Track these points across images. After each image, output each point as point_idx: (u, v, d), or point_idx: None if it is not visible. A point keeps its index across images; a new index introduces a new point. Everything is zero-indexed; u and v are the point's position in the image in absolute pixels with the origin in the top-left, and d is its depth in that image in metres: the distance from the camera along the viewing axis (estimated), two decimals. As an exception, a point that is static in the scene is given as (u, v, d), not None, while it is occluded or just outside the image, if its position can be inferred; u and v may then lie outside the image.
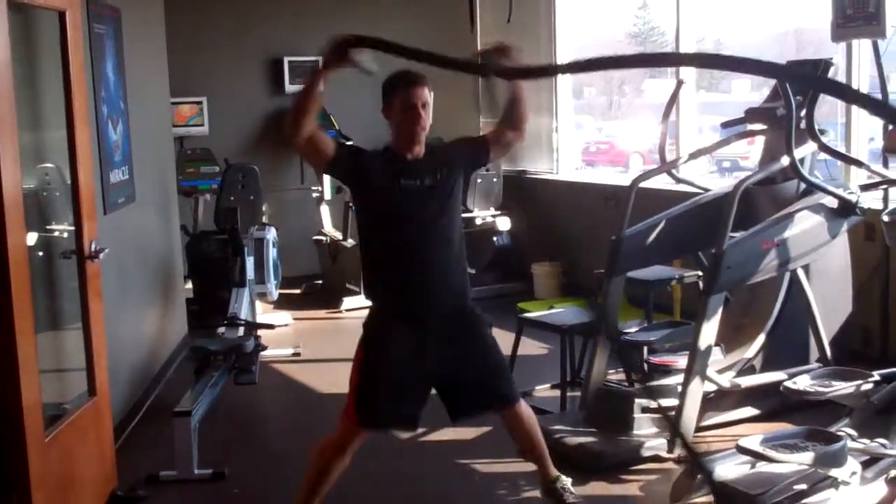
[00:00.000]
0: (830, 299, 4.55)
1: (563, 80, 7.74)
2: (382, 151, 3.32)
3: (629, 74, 20.45)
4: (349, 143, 3.44)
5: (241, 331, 5.22)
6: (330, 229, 7.76)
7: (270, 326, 5.48)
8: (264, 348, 5.12)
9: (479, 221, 7.42)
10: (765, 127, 4.54)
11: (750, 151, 11.11)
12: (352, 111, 7.49)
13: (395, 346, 3.27)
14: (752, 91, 15.83)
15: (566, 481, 3.54)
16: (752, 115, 4.50)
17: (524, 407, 3.48)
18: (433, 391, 3.34)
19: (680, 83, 4.89)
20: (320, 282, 7.80)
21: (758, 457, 3.31)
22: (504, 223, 7.27)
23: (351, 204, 3.38)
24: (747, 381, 4.30)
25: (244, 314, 5.50)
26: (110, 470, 3.84)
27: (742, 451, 3.36)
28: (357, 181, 3.32)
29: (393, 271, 3.31)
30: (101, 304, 3.83)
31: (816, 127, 4.06)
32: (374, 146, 3.37)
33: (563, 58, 7.64)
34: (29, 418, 3.09)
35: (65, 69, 3.64)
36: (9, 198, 3.01)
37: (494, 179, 7.59)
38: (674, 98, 4.80)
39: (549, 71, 6.62)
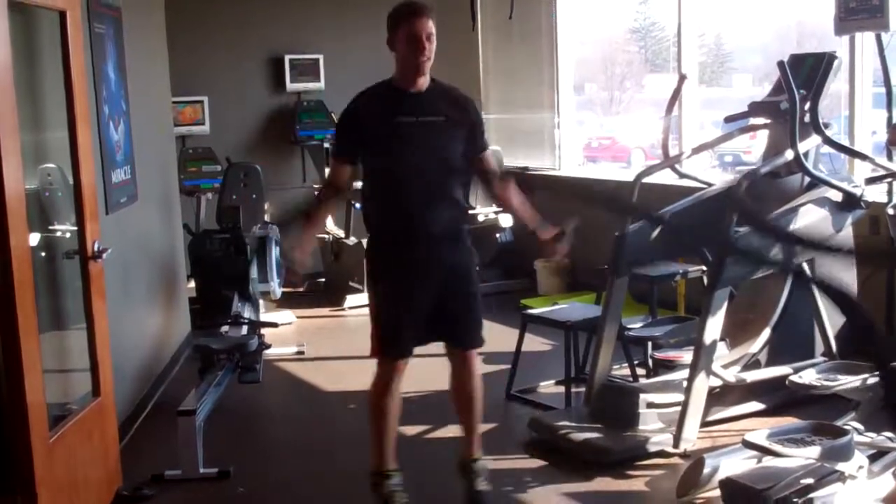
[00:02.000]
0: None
1: (565, 76, 7.72)
2: (382, 90, 3.40)
3: (630, 69, 20.44)
4: (345, 110, 3.47)
5: (244, 329, 5.21)
6: (332, 227, 7.75)
7: (274, 325, 5.47)
8: (268, 347, 5.11)
9: (481, 218, 7.40)
10: (768, 121, 4.52)
11: (752, 146, 11.12)
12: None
13: (402, 273, 3.40)
14: (753, 86, 15.82)
15: (484, 465, 3.60)
16: (756, 109, 4.48)
17: (476, 360, 3.57)
18: None
19: (683, 78, 4.88)
20: (323, 280, 7.79)
21: (764, 451, 3.30)
22: (507, 220, 7.25)
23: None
24: (752, 376, 4.29)
25: (247, 313, 5.50)
26: (115, 470, 3.84)
27: (748, 445, 3.35)
28: (359, 137, 3.39)
29: (393, 199, 3.40)
30: (105, 304, 3.82)
31: (820, 120, 4.05)
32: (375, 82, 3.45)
33: (564, 54, 7.64)
34: (33, 419, 3.09)
35: (66, 69, 3.63)
36: (11, 198, 3.01)
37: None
38: (677, 93, 4.79)
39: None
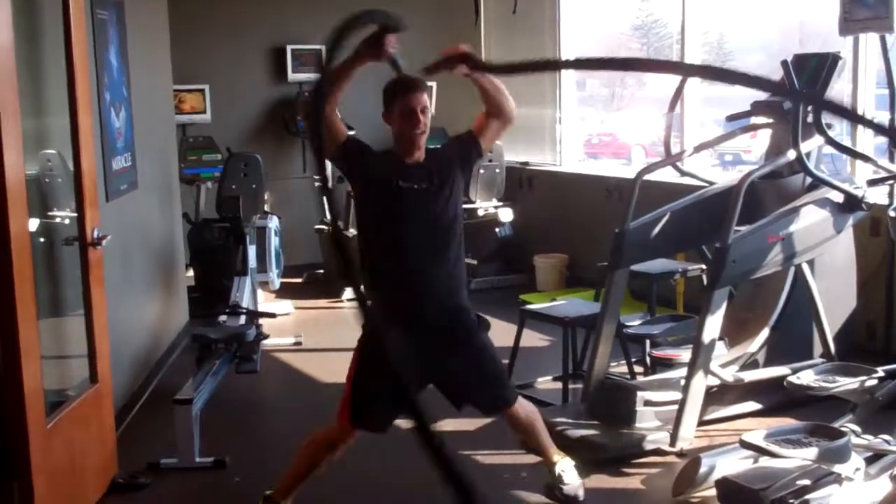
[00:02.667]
0: (835, 294, 4.53)
1: (567, 71, 7.69)
2: (385, 153, 3.37)
3: (632, 67, 20.38)
4: (360, 141, 3.42)
5: (242, 319, 5.21)
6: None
7: (272, 315, 5.47)
8: (266, 337, 5.11)
9: (481, 213, 7.40)
10: (771, 120, 4.52)
11: (752, 145, 11.11)
12: (357, 113, 7.45)
13: (391, 350, 3.23)
14: (755, 84, 15.79)
15: (565, 467, 3.57)
16: (759, 108, 4.48)
17: (522, 406, 3.50)
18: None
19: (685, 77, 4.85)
20: (321, 271, 7.78)
21: (761, 452, 3.30)
22: (506, 214, 7.24)
23: (351, 195, 3.39)
24: (751, 376, 4.29)
25: (246, 303, 5.49)
26: (111, 457, 3.83)
27: (745, 445, 3.35)
28: (359, 177, 3.36)
29: (390, 271, 3.33)
30: (104, 291, 3.82)
31: (823, 121, 4.04)
32: (381, 147, 3.40)
33: (567, 50, 7.63)
34: (31, 405, 3.09)
35: (67, 55, 3.62)
36: (11, 183, 3.00)
37: (497, 171, 7.57)
38: (679, 91, 4.78)
39: (550, 66, 6.54)
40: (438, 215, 3.31)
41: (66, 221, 4.08)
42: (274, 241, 6.25)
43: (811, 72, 4.24)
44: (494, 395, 3.45)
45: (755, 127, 4.62)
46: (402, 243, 3.30)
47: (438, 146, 3.54)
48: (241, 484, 3.84)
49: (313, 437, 3.43)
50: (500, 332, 5.12)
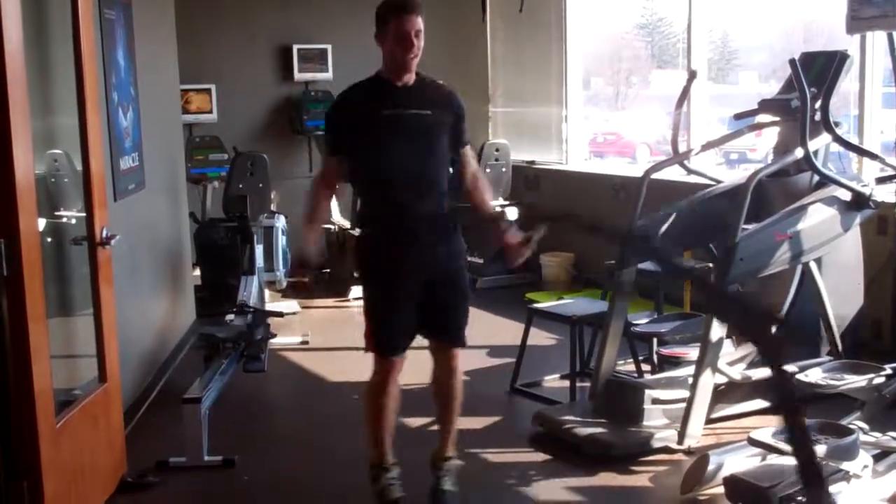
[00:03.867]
0: (842, 292, 4.53)
1: (574, 69, 7.71)
2: (369, 81, 3.42)
3: (636, 65, 20.39)
4: (332, 105, 3.49)
5: (250, 318, 5.21)
6: (338, 218, 7.74)
7: (280, 314, 5.48)
8: (273, 336, 5.12)
9: (487, 211, 7.39)
10: (778, 119, 4.51)
11: (757, 143, 11.10)
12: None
13: (392, 270, 3.39)
14: (760, 83, 15.80)
15: (456, 465, 3.60)
16: (766, 106, 4.47)
17: (459, 359, 3.56)
18: None
19: (693, 74, 4.86)
20: (328, 270, 7.79)
21: (770, 449, 3.31)
22: (513, 213, 7.24)
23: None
24: (758, 374, 4.28)
25: (253, 302, 5.50)
26: (120, 456, 3.84)
27: (754, 443, 3.36)
28: (347, 129, 3.40)
29: (380, 191, 3.40)
30: (112, 291, 3.83)
31: (831, 119, 4.04)
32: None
33: (573, 49, 7.63)
34: (40, 405, 3.09)
35: (76, 54, 3.62)
36: (21, 183, 3.01)
37: (503, 169, 7.57)
38: (687, 89, 4.77)
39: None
40: (426, 139, 3.35)
41: (73, 221, 4.09)
42: (281, 241, 6.25)
43: (818, 70, 4.23)
44: (457, 333, 3.51)
45: (763, 125, 4.61)
46: (391, 166, 3.34)
47: (439, 82, 3.52)
48: (249, 482, 3.85)
49: (364, 390, 3.53)
50: (507, 331, 5.15)
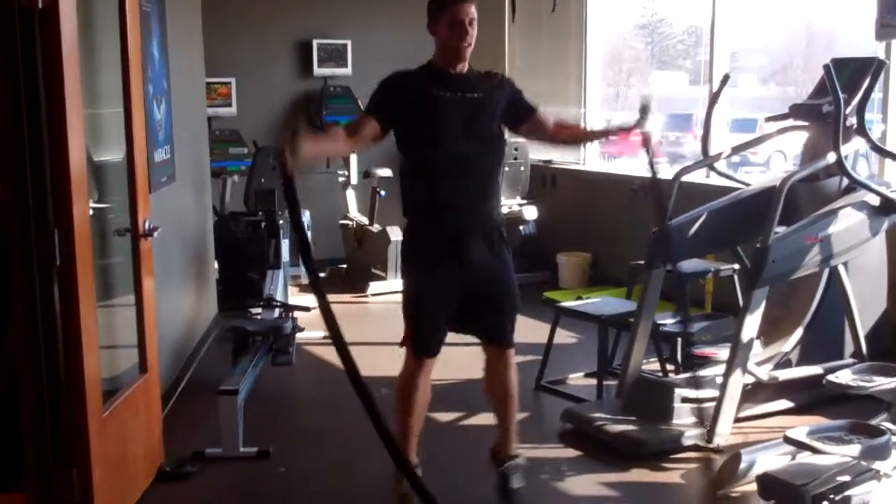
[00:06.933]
0: (866, 295, 4.59)
1: (593, 70, 7.76)
2: (423, 67, 3.38)
3: (636, 66, 20.45)
4: (386, 78, 3.39)
5: (276, 312, 5.25)
6: (356, 214, 7.79)
7: (306, 309, 5.51)
8: (301, 330, 5.16)
9: (505, 210, 7.43)
10: (808, 123, 4.56)
11: (760, 148, 11.15)
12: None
13: (436, 270, 3.34)
14: (759, 85, 15.84)
15: (520, 463, 3.58)
16: (797, 111, 4.52)
17: (514, 359, 3.54)
18: None
19: (726, 77, 4.91)
20: (344, 266, 7.84)
21: (806, 448, 3.37)
22: (531, 212, 7.29)
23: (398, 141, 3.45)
24: (785, 375, 4.34)
25: (279, 296, 5.54)
26: (158, 446, 3.89)
27: (790, 441, 3.42)
28: (397, 103, 3.32)
29: (430, 183, 3.32)
30: (153, 282, 3.87)
31: (865, 125, 4.09)
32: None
33: (592, 51, 7.68)
34: (90, 393, 3.13)
35: (123, 48, 3.65)
36: (75, 170, 3.04)
37: (521, 168, 7.62)
38: (718, 92, 4.82)
39: None
40: (477, 123, 3.29)
41: (90, 213, 4.10)
42: (307, 235, 6.28)
43: (849, 75, 4.28)
44: (504, 329, 3.48)
45: (793, 129, 4.66)
46: (442, 148, 3.27)
47: (491, 70, 3.50)
48: (286, 474, 3.89)
49: (396, 386, 3.50)
50: (527, 329, 5.16)
